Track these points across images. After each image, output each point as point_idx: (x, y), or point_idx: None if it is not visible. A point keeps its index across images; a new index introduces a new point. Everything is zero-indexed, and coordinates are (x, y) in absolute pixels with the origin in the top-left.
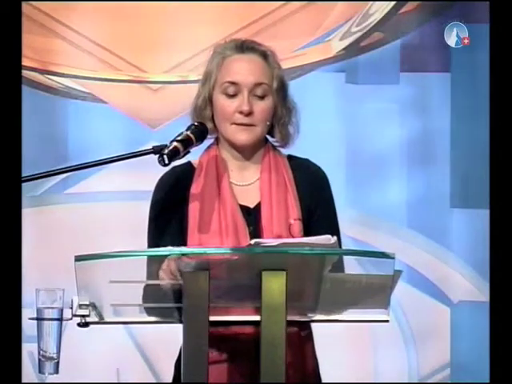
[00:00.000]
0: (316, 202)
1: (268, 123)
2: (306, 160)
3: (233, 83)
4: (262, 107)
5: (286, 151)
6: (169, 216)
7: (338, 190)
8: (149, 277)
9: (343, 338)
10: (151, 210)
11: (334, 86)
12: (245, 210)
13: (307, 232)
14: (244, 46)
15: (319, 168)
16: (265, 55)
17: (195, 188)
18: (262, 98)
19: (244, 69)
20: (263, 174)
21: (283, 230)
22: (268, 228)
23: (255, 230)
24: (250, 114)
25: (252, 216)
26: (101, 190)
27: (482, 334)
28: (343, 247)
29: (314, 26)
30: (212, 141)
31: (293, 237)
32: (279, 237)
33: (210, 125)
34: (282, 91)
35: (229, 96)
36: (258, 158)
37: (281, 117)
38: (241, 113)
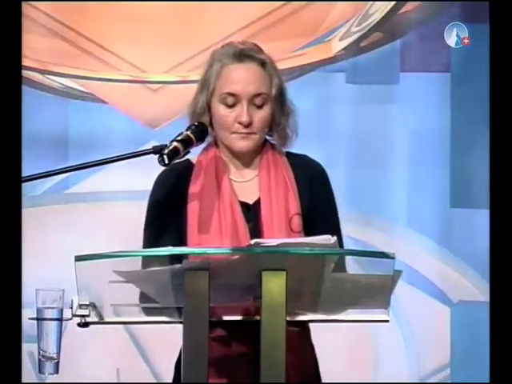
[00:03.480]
0: (316, 197)
1: (266, 129)
2: (305, 156)
3: (232, 94)
4: (260, 116)
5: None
6: (168, 214)
7: (338, 189)
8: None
9: (343, 338)
10: (150, 209)
11: (334, 86)
12: (244, 206)
13: (308, 227)
14: (242, 55)
15: (318, 163)
16: (263, 63)
17: (194, 186)
18: (260, 106)
19: (242, 79)
20: (262, 170)
21: (283, 225)
22: (268, 223)
23: (255, 226)
24: (249, 124)
25: (251, 212)
26: (101, 190)
27: (481, 334)
28: (344, 246)
29: (314, 26)
30: (210, 141)
31: (293, 231)
32: (279, 232)
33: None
34: (280, 98)
35: (228, 106)
36: (256, 159)
37: (279, 122)
38: (240, 123)
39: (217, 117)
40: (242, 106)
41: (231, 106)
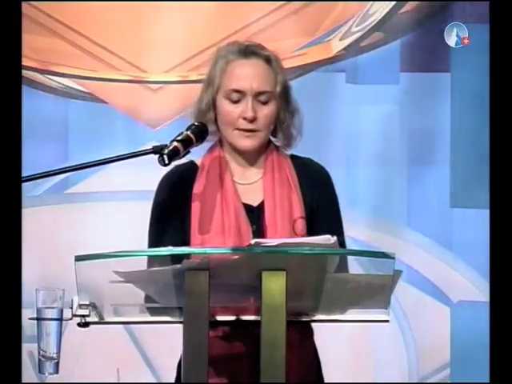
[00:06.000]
0: (319, 200)
1: (271, 127)
2: (309, 159)
3: (237, 91)
4: (265, 113)
5: (287, 151)
6: (172, 215)
7: (338, 189)
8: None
9: (343, 338)
10: (154, 209)
11: (334, 86)
12: (248, 208)
13: (311, 230)
14: (247, 51)
15: (322, 167)
16: (268, 60)
17: (198, 187)
18: (265, 103)
19: (247, 75)
20: (266, 172)
21: (287, 227)
22: (272, 226)
23: (258, 229)
24: (253, 119)
25: (255, 214)
26: (101, 190)
27: (482, 334)
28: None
29: (314, 26)
30: (215, 141)
31: (296, 235)
32: (283, 235)
33: (212, 127)
34: (285, 96)
35: (232, 102)
36: (261, 159)
37: (283, 120)
38: (244, 119)
39: (221, 113)
40: (246, 102)
41: (236, 102)
